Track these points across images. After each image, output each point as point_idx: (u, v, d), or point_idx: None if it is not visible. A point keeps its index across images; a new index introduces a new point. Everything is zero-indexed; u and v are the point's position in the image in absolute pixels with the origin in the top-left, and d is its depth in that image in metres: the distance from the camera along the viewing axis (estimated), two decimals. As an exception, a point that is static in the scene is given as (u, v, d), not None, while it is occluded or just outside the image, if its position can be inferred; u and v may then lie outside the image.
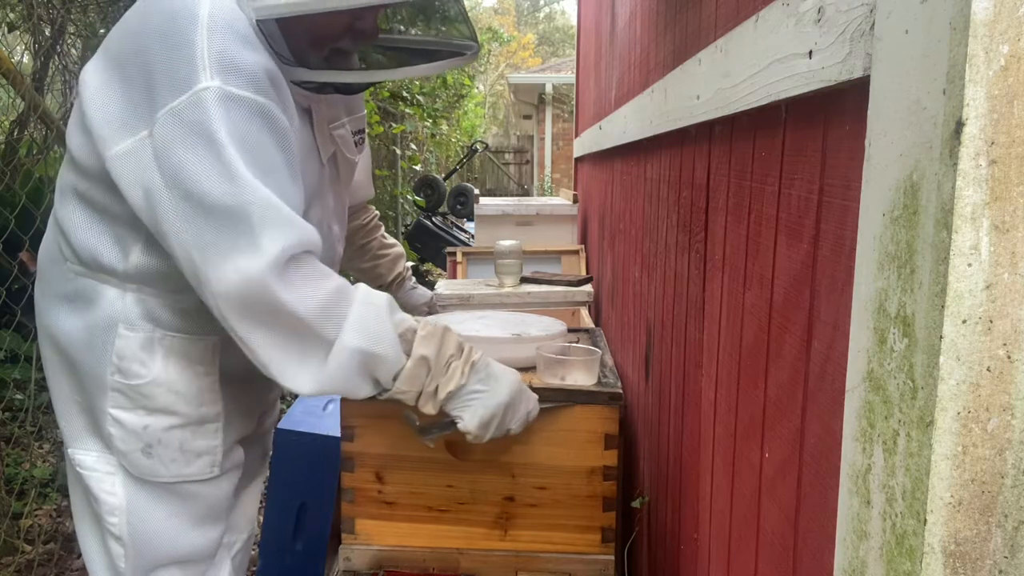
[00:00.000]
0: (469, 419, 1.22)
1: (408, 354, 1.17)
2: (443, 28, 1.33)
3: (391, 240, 1.93)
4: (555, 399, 1.39)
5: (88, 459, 1.31)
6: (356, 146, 1.50)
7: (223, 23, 1.09)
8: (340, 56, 1.26)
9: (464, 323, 1.68)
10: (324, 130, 1.36)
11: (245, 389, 1.39)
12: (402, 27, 1.37)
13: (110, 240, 1.24)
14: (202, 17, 1.08)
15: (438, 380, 1.20)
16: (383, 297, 1.18)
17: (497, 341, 1.57)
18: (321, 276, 1.13)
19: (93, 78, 1.19)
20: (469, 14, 1.34)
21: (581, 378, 1.44)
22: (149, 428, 1.26)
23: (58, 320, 1.30)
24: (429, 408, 1.21)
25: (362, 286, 1.19)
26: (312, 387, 1.13)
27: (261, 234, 1.06)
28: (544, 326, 1.67)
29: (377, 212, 1.90)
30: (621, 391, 1.41)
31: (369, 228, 1.86)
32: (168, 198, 1.08)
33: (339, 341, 1.12)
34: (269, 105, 1.12)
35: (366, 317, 1.14)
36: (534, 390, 1.40)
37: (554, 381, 1.44)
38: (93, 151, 1.19)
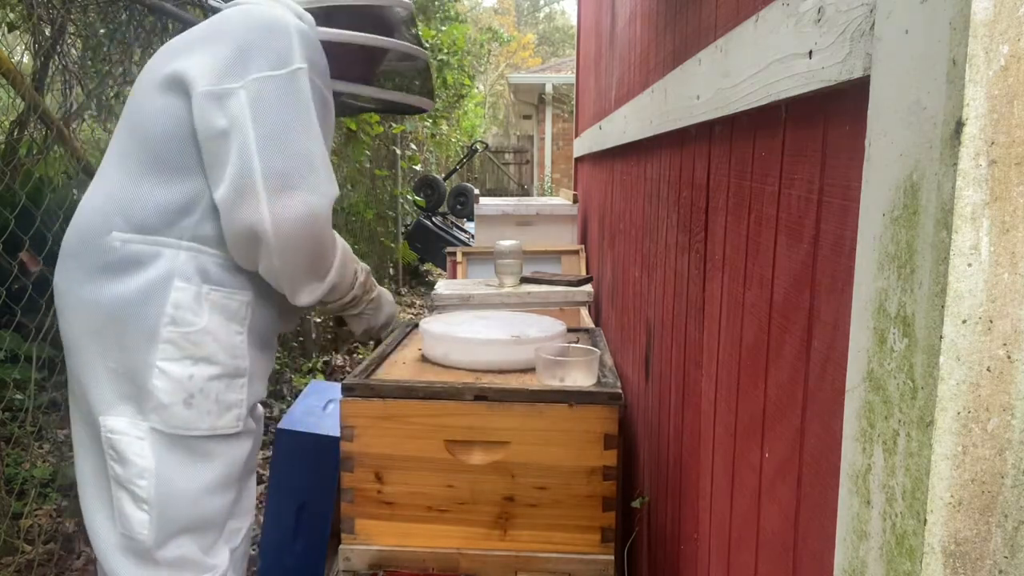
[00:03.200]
0: (355, 328, 1.76)
1: (352, 287, 1.63)
2: (416, 86, 1.83)
3: None
4: (555, 400, 1.40)
5: (120, 424, 1.43)
6: None
7: (306, 32, 1.47)
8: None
9: (464, 324, 1.68)
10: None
11: (262, 352, 1.57)
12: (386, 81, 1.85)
13: (180, 201, 1.45)
14: (293, 24, 1.45)
15: (349, 305, 1.69)
16: (345, 244, 1.58)
17: (497, 343, 1.57)
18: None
19: (169, 56, 1.47)
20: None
21: (580, 379, 1.44)
22: (193, 378, 1.43)
23: (99, 289, 1.44)
24: (331, 308, 1.66)
25: (338, 235, 1.56)
26: (310, 302, 1.52)
27: (324, 180, 1.42)
28: (544, 327, 1.67)
29: None
30: (621, 391, 1.41)
31: None
32: (253, 134, 1.37)
33: (328, 275, 1.52)
34: (328, 96, 1.51)
35: (343, 260, 1.55)
36: (532, 392, 1.40)
37: (553, 382, 1.44)
38: (174, 105, 1.43)
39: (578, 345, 1.61)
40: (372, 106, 1.91)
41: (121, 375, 1.44)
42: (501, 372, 1.53)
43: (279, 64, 1.40)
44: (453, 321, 1.72)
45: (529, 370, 1.53)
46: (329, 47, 1.53)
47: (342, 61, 1.57)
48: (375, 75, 1.72)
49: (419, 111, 1.85)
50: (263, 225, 1.37)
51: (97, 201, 1.49)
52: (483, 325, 1.68)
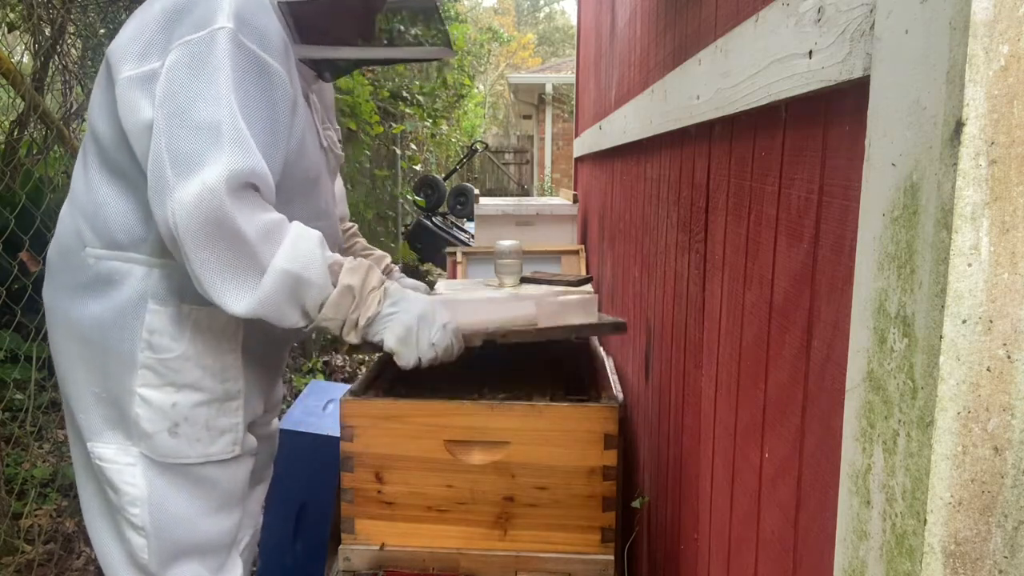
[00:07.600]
0: (389, 338, 1.30)
1: (335, 284, 1.25)
2: (427, 32, 1.51)
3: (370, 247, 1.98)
4: (558, 336, 1.38)
5: (108, 451, 1.33)
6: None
7: None
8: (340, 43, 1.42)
9: (466, 289, 1.67)
10: (319, 122, 1.48)
11: (261, 368, 1.45)
12: (393, 31, 1.54)
13: (140, 212, 1.29)
14: None
15: (360, 309, 1.28)
16: (316, 232, 1.26)
17: (495, 301, 1.55)
18: (266, 207, 1.22)
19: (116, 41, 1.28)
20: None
21: (580, 318, 1.44)
22: (177, 406, 1.31)
23: (79, 309, 1.33)
24: (352, 337, 1.29)
25: (296, 222, 1.26)
26: (245, 308, 1.19)
27: (227, 152, 1.15)
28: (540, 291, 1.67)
29: (355, 224, 1.96)
30: (621, 391, 1.41)
31: (351, 234, 1.92)
32: (161, 115, 1.17)
33: (272, 264, 1.19)
34: (272, 63, 1.25)
35: (298, 245, 1.22)
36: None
37: (555, 322, 1.43)
38: (108, 98, 1.27)
39: (575, 289, 1.60)
40: (380, 62, 1.67)
41: (105, 400, 1.33)
42: (504, 334, 1.49)
43: (200, 26, 1.20)
44: (455, 287, 1.71)
45: (531, 327, 1.49)
46: (314, 10, 1.34)
47: (333, 22, 1.38)
48: (373, 29, 1.45)
49: (436, 60, 1.59)
50: (170, 218, 1.15)
51: (66, 212, 1.38)
52: (487, 290, 1.66)
